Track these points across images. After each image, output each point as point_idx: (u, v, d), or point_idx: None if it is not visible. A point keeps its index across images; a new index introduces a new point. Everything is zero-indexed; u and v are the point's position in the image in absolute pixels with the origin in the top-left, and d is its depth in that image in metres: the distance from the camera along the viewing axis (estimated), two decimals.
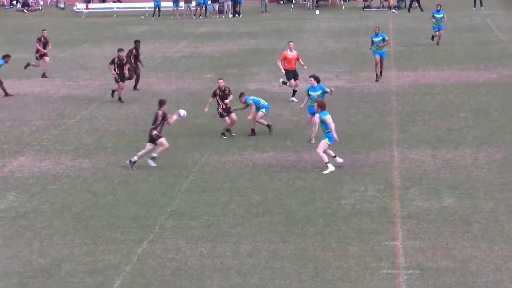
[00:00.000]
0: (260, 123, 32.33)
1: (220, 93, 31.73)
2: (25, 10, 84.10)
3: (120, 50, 39.18)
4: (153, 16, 76.15)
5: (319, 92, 30.28)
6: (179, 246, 21.89)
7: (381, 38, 41.04)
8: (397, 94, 38.49)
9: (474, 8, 72.47)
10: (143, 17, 76.33)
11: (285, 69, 37.48)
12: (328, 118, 27.86)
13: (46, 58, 46.87)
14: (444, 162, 28.75)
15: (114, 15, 77.93)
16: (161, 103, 29.25)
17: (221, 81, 32.58)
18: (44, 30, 48.66)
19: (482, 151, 29.71)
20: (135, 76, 41.34)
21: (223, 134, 32.43)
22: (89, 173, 29.02)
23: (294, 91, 37.45)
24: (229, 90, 32.39)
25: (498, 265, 20.10)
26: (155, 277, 20.01)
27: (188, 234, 22.77)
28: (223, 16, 74.44)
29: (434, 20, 52.80)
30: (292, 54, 37.47)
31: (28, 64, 46.21)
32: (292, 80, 37.46)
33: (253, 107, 31.68)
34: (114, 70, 38.40)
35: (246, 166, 29.14)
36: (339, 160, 28.24)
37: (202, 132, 33.44)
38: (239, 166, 29.12)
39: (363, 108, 36.54)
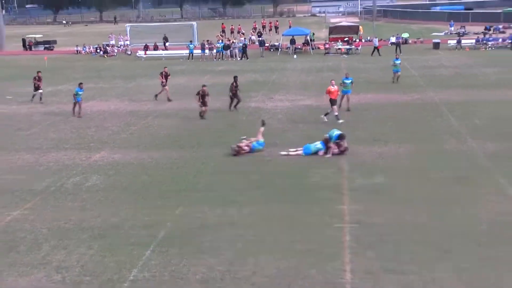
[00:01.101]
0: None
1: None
2: (105, 56, 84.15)
3: (203, 86, 38.43)
4: (188, 59, 76.00)
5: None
6: (203, 209, 21.95)
7: (350, 81, 38.83)
8: (346, 110, 38.38)
9: (395, 54, 72.33)
10: (181, 59, 76.13)
11: (329, 99, 35.77)
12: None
13: (167, 87, 45.56)
14: (377, 154, 28.71)
15: (163, 59, 77.75)
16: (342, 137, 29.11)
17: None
18: (166, 67, 47.61)
19: (402, 147, 29.67)
20: (236, 100, 40.50)
21: None
22: (146, 162, 28.98)
23: (337, 115, 35.54)
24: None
25: (410, 220, 20.20)
26: (186, 230, 20.13)
27: (209, 201, 22.82)
28: (234, 59, 74.33)
29: (393, 65, 50.49)
30: (334, 88, 36.00)
31: (156, 95, 45.90)
32: (335, 106, 35.82)
33: None
34: (199, 100, 37.72)
35: (248, 156, 29.07)
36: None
37: (220, 135, 33.32)
38: (244, 156, 29.02)
39: (325, 119, 36.43)
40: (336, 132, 29.16)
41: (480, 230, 19.19)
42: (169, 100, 45.27)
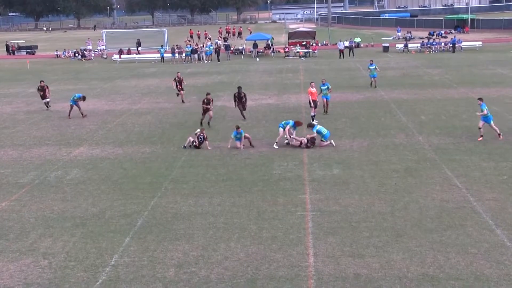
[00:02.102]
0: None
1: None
2: (83, 60, 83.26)
3: (208, 94, 35.33)
4: (161, 62, 75.51)
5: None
6: (176, 200, 21.85)
7: (326, 87, 36.85)
8: (305, 108, 38.48)
9: (349, 57, 72.71)
10: (153, 62, 75.61)
11: (310, 100, 34.75)
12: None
13: (182, 92, 43.46)
14: (333, 147, 28.81)
15: (136, 62, 77.28)
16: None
17: None
18: (178, 72, 45.52)
19: (355, 141, 29.79)
20: (241, 107, 36.49)
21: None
22: (121, 156, 28.77)
23: (313, 116, 34.69)
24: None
25: (365, 207, 20.35)
26: (161, 218, 19.98)
27: (181, 192, 22.72)
28: (201, 62, 74.01)
29: (369, 70, 47.75)
30: (313, 90, 35.04)
31: (182, 100, 43.54)
32: (313, 108, 34.91)
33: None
34: (203, 104, 34.57)
35: (216, 151, 28.99)
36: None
37: (189, 131, 33.09)
38: (212, 151, 28.94)
39: (285, 115, 36.47)
40: (322, 129, 29.39)
41: (428, 216, 19.38)
42: (183, 102, 43.45)
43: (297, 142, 29.08)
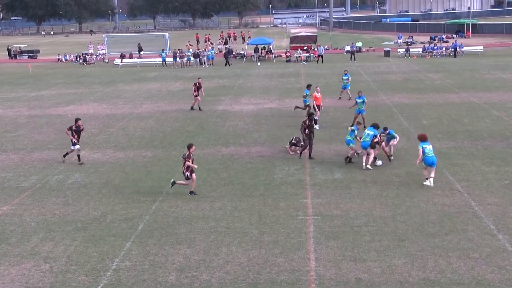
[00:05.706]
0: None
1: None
2: (84, 64, 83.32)
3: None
4: (162, 66, 75.44)
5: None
6: (177, 204, 21.86)
7: (362, 100, 34.10)
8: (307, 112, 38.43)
9: (351, 61, 72.66)
10: (155, 67, 75.63)
11: (315, 104, 34.79)
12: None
13: (198, 98, 41.57)
14: (334, 151, 28.79)
15: (138, 66, 77.27)
16: None
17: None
18: (199, 78, 44.14)
19: (357, 145, 29.66)
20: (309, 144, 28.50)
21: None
22: (123, 160, 28.79)
23: (316, 120, 33.31)
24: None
25: (367, 212, 20.35)
26: (163, 223, 19.98)
27: (182, 196, 22.71)
28: (203, 66, 73.99)
29: (342, 81, 44.87)
30: (319, 95, 35.30)
31: (198, 108, 41.60)
32: (318, 111, 34.84)
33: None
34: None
35: (217, 155, 28.99)
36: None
37: (191, 135, 33.21)
38: (213, 155, 28.97)
39: (287, 119, 36.49)
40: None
41: (430, 221, 19.36)
42: (200, 109, 41.68)
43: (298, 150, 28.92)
